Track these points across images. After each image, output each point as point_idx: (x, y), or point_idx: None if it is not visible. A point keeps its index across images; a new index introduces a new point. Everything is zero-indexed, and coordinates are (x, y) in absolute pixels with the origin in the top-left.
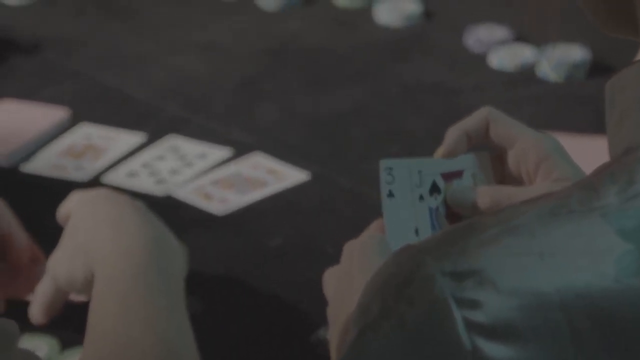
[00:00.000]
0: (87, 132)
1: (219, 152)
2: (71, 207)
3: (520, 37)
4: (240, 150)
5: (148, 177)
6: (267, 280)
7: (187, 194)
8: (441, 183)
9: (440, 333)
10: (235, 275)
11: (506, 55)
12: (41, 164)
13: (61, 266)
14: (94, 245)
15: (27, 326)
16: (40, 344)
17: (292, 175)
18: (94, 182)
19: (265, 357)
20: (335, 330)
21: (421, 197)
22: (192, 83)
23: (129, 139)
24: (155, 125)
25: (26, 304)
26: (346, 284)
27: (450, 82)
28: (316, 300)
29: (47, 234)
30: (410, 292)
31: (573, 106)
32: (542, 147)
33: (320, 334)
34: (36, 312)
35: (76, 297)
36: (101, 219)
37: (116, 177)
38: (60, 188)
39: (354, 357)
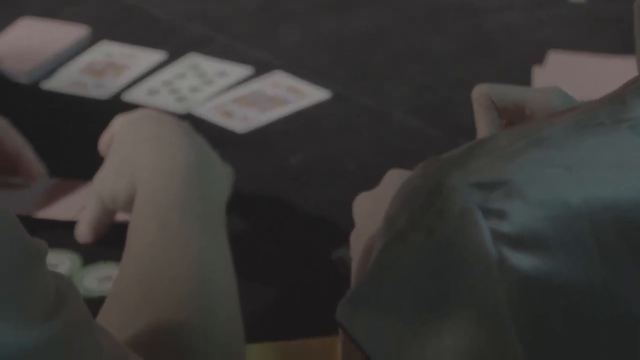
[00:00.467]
0: (107, 50)
1: (240, 70)
2: (114, 130)
3: None
4: (261, 69)
5: (168, 94)
6: (288, 197)
7: (207, 112)
8: None
9: (466, 243)
10: (256, 193)
11: None
12: (62, 82)
13: (105, 184)
14: (135, 164)
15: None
16: (62, 259)
17: (313, 94)
18: (115, 100)
19: (285, 275)
20: (358, 249)
21: None
22: (215, 4)
23: (149, 57)
24: (176, 44)
25: (45, 221)
26: (379, 209)
27: (473, 3)
28: (337, 218)
29: (67, 150)
30: (437, 204)
31: (597, 26)
32: (551, 106)
33: (341, 252)
34: (83, 230)
35: (123, 217)
36: (144, 138)
37: (137, 94)
38: (81, 105)
39: (381, 269)
